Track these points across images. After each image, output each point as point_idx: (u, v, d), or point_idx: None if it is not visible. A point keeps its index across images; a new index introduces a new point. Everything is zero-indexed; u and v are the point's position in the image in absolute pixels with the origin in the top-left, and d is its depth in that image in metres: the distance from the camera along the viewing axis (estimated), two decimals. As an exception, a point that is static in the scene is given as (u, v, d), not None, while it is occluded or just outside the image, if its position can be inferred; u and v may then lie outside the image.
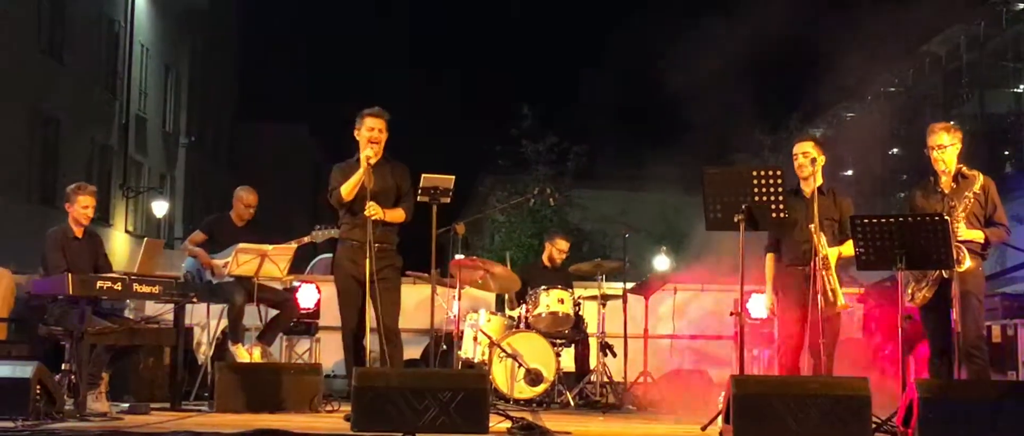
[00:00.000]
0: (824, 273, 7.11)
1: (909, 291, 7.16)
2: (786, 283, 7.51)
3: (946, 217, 6.77)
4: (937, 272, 6.99)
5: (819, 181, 7.42)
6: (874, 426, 6.22)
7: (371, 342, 7.53)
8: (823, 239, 7.12)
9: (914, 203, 7.39)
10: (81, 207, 8.24)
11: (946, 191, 7.19)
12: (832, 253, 7.17)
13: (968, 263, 6.92)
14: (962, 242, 6.94)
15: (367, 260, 7.21)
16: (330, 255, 11.17)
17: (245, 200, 9.52)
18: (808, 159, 7.42)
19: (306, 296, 10.42)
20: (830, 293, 7.10)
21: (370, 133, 7.48)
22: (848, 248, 7.24)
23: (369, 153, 7.41)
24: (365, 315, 7.47)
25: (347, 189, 7.45)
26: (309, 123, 49.10)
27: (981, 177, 7.20)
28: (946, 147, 7.18)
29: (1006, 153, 28.72)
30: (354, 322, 7.55)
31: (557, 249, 10.69)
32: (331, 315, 10.47)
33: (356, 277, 7.42)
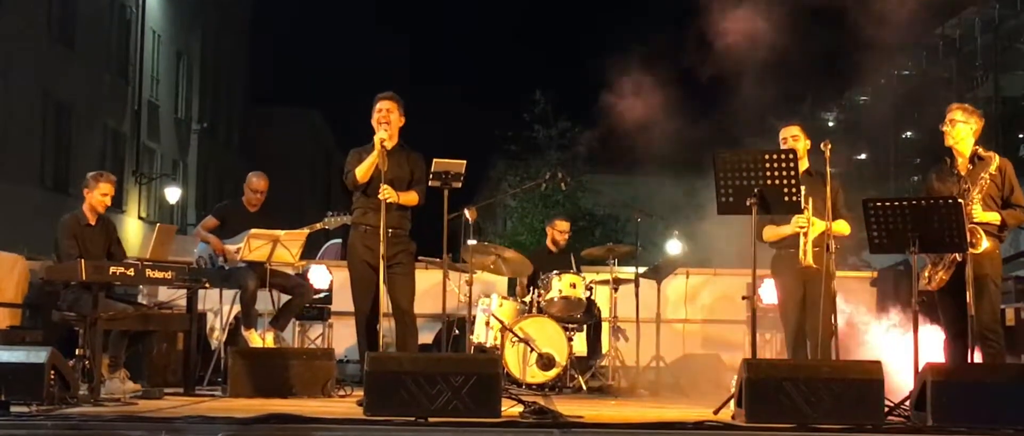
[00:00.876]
0: (802, 236, 7.32)
1: (926, 274, 7.14)
2: (782, 267, 7.60)
3: (960, 200, 6.75)
4: (953, 255, 6.97)
5: (805, 164, 7.63)
6: (886, 409, 6.21)
7: (385, 327, 7.55)
8: (810, 205, 7.28)
9: (930, 186, 7.40)
10: (100, 194, 8.27)
11: (962, 173, 7.15)
12: (818, 224, 7.29)
13: (985, 244, 6.91)
14: (979, 224, 6.93)
15: (381, 245, 7.24)
16: (340, 240, 11.14)
17: (255, 185, 9.53)
18: (797, 142, 7.59)
19: (318, 276, 10.42)
20: (801, 252, 7.29)
21: (379, 114, 7.52)
22: (837, 226, 7.40)
23: (383, 134, 7.43)
24: (379, 300, 7.48)
25: (362, 171, 7.49)
26: (322, 108, 49.22)
27: (997, 158, 7.16)
28: (957, 122, 7.16)
29: (1020, 137, 28.56)
30: (367, 307, 7.58)
31: (558, 231, 10.79)
32: (344, 300, 10.46)
33: (370, 262, 7.44)
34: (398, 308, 7.56)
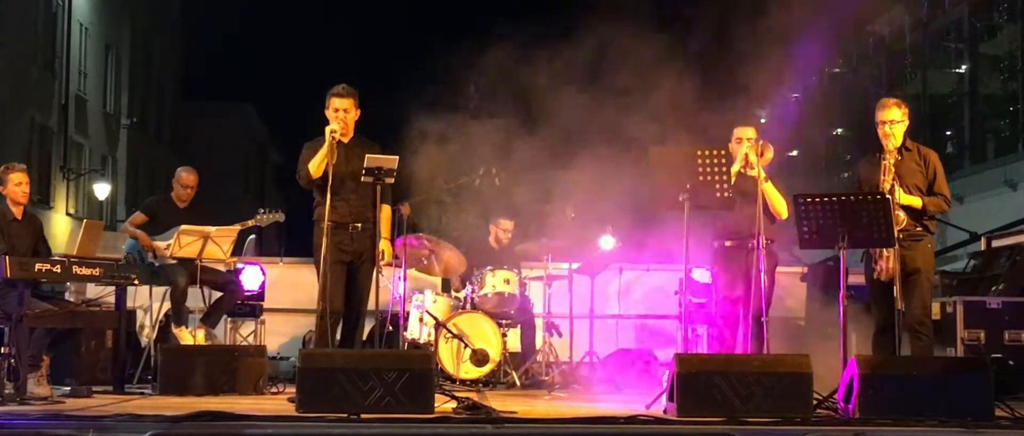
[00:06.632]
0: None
1: (876, 266, 7.21)
2: (727, 258, 7.65)
3: (888, 196, 6.87)
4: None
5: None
6: (815, 402, 6.29)
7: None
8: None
9: (859, 177, 7.52)
10: (14, 185, 8.10)
11: (891, 164, 7.26)
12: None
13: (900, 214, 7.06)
14: (902, 207, 7.08)
15: (350, 240, 7.50)
16: (254, 236, 11.02)
17: (184, 180, 9.40)
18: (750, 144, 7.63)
19: (250, 278, 10.28)
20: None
21: (335, 113, 7.50)
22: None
23: (334, 127, 7.39)
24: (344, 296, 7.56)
25: (315, 166, 7.44)
26: (254, 102, 48.53)
27: (923, 149, 7.38)
28: (897, 122, 7.30)
29: (948, 133, 29.07)
30: (339, 303, 7.55)
31: (502, 230, 10.74)
32: (276, 297, 10.41)
33: (342, 260, 7.47)
34: (360, 303, 7.68)
